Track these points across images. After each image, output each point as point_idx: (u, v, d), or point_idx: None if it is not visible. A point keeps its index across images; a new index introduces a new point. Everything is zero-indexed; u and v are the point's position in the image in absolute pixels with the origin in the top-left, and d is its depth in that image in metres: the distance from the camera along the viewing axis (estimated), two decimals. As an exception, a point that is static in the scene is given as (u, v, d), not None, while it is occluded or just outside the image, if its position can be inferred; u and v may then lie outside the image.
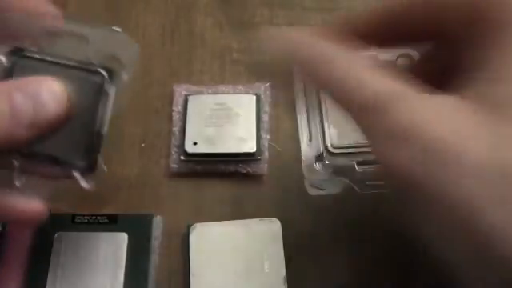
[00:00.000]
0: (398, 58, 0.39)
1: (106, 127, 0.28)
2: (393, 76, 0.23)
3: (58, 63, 0.27)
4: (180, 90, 0.39)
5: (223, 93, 0.39)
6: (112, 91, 0.28)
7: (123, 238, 0.33)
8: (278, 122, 0.39)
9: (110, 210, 0.35)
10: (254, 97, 0.38)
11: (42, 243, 0.33)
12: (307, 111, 0.37)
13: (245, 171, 0.37)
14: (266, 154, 0.37)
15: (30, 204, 0.27)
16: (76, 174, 0.27)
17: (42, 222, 0.28)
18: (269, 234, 0.34)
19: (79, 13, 0.45)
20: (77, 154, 0.27)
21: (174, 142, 0.38)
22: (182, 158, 0.37)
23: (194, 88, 0.40)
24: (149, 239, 0.34)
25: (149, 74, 0.41)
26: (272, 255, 0.33)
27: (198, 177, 0.37)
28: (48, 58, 0.27)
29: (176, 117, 0.39)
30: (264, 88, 0.39)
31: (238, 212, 0.36)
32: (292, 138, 0.37)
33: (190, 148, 0.37)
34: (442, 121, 0.20)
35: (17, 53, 0.27)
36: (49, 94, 0.25)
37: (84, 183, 0.27)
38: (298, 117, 0.37)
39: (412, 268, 0.33)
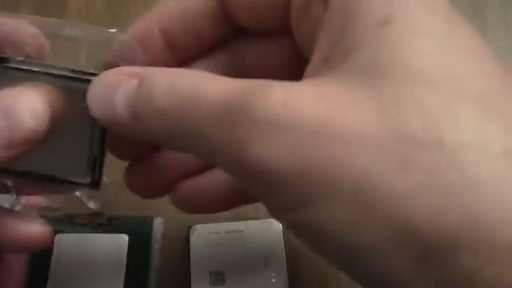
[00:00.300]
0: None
1: (107, 138, 0.25)
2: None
3: (47, 73, 0.24)
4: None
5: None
6: None
7: (124, 239, 0.33)
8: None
9: (110, 211, 0.35)
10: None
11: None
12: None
13: None
14: None
15: (32, 228, 0.25)
16: (79, 194, 0.25)
17: (45, 246, 0.26)
18: (270, 235, 0.34)
19: (79, 13, 0.45)
20: (79, 170, 0.25)
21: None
22: None
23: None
24: (149, 241, 0.34)
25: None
26: (273, 258, 0.33)
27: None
28: (36, 69, 0.24)
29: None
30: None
31: (238, 213, 0.36)
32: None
33: None
34: (309, 102, 0.18)
35: None
36: (26, 109, 0.22)
37: (90, 203, 0.26)
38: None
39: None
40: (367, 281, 0.20)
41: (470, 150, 0.17)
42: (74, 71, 0.24)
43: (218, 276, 0.32)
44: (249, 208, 0.36)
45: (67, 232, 0.33)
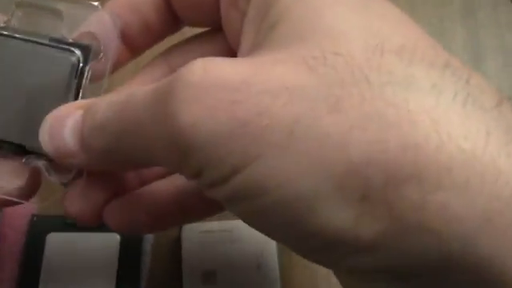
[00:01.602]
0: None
1: None
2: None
3: (27, 40, 0.25)
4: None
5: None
6: (87, 71, 0.25)
7: (115, 239, 0.33)
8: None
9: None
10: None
11: (34, 244, 0.33)
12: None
13: None
14: None
15: None
16: (44, 167, 0.24)
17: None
18: (261, 235, 0.33)
19: None
20: None
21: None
22: None
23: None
24: (141, 240, 0.34)
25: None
26: (265, 256, 0.33)
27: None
28: (16, 35, 0.25)
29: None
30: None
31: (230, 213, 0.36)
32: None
33: None
34: (231, 65, 0.19)
35: None
36: None
37: (52, 177, 0.24)
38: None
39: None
40: (302, 241, 0.19)
41: (400, 85, 0.17)
42: (53, 39, 0.25)
43: (209, 275, 0.32)
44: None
45: (59, 231, 0.33)
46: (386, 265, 0.18)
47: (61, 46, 0.24)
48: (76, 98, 0.24)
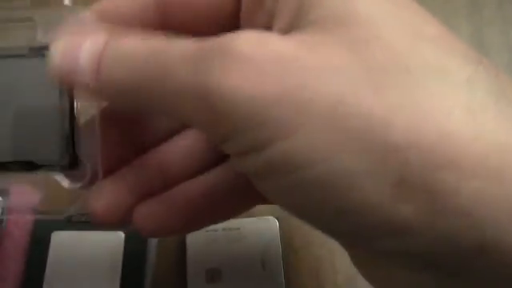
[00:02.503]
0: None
1: (78, 115, 0.24)
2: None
3: (7, 56, 0.24)
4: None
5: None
6: None
7: (120, 236, 0.33)
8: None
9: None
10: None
11: (39, 242, 0.33)
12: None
13: None
14: None
15: None
16: (58, 177, 0.24)
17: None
18: (266, 232, 0.34)
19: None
20: (54, 152, 0.24)
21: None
22: None
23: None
24: (145, 239, 0.34)
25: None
26: (270, 255, 0.33)
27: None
28: None
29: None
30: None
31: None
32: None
33: None
34: (282, 42, 0.19)
35: None
36: None
37: (69, 184, 0.24)
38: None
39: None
40: (335, 218, 0.19)
41: (437, 76, 0.18)
42: (33, 49, 0.24)
43: (214, 273, 0.33)
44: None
45: (63, 230, 0.33)
46: (417, 248, 0.18)
47: (42, 53, 0.23)
48: (71, 98, 0.24)
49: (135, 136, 0.26)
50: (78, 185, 0.24)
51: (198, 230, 0.27)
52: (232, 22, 0.23)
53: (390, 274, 0.20)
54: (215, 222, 0.27)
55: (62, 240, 0.33)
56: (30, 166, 0.24)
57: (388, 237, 0.18)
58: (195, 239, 0.33)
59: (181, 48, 0.20)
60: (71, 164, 0.24)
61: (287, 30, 0.20)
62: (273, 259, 0.33)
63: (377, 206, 0.17)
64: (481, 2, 0.43)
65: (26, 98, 0.24)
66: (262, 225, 0.34)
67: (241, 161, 0.19)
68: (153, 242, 0.34)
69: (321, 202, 0.18)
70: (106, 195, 0.24)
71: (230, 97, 0.18)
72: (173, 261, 0.34)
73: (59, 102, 0.24)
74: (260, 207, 0.35)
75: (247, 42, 0.18)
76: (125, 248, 0.33)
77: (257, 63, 0.18)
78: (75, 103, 0.24)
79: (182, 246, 0.34)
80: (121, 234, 0.33)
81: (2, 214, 0.27)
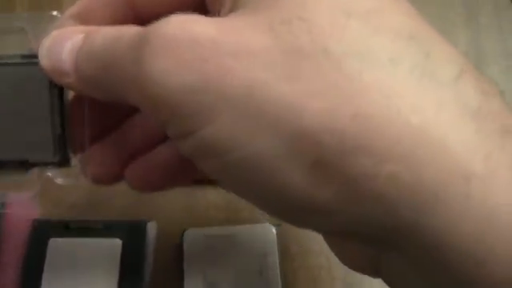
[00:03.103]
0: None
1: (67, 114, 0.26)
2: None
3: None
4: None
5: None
6: None
7: (117, 244, 0.33)
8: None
9: (101, 216, 0.35)
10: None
11: (36, 250, 0.33)
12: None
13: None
14: None
15: None
16: (51, 173, 0.26)
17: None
18: (264, 239, 0.34)
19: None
20: (46, 150, 0.26)
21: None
22: None
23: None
24: (143, 245, 0.34)
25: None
26: (267, 262, 0.33)
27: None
28: None
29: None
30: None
31: (232, 217, 0.36)
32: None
33: None
34: (205, 24, 0.19)
35: None
36: None
37: (62, 181, 0.26)
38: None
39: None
40: (266, 201, 0.20)
41: (357, 57, 0.18)
42: (25, 56, 0.25)
43: (211, 280, 0.33)
44: (243, 212, 0.36)
45: (61, 236, 0.33)
46: (343, 229, 0.19)
47: (33, 60, 0.24)
48: (61, 101, 0.25)
49: (117, 108, 0.27)
50: (70, 182, 0.26)
51: (178, 186, 0.29)
52: (202, 11, 0.24)
53: (347, 249, 0.22)
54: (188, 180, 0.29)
55: (59, 247, 0.33)
56: (24, 165, 0.26)
57: (315, 217, 0.19)
58: (192, 246, 0.33)
59: (129, 35, 0.21)
60: (63, 161, 0.26)
61: (227, 14, 0.20)
62: (270, 266, 0.33)
63: (298, 188, 0.18)
64: (477, 10, 0.43)
65: (19, 102, 0.25)
66: (260, 232, 0.34)
67: (177, 144, 0.20)
68: (150, 249, 0.34)
69: (249, 184, 0.19)
70: (97, 158, 0.26)
71: (158, 84, 0.19)
72: (170, 268, 0.34)
73: (50, 103, 0.25)
74: (257, 215, 0.35)
75: (173, 25, 0.19)
76: (122, 255, 0.33)
77: (177, 48, 0.19)
78: (65, 102, 0.26)
79: (179, 254, 0.34)
80: (118, 241, 0.33)
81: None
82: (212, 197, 0.37)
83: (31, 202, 0.28)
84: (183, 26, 0.19)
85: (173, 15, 0.19)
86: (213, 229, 0.34)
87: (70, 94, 0.26)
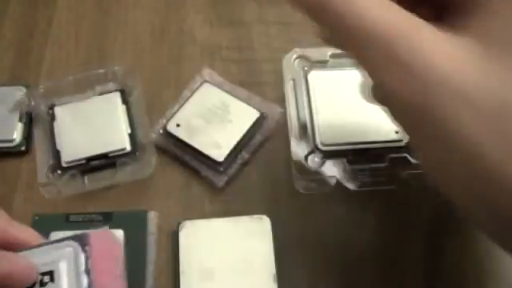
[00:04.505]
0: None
1: None
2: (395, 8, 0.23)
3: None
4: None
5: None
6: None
7: (119, 235, 0.34)
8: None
9: (100, 208, 0.36)
10: (258, 114, 0.38)
11: None
12: (297, 109, 0.38)
13: (204, 175, 0.37)
14: (233, 168, 0.37)
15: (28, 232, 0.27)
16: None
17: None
18: (258, 231, 0.34)
19: (69, 6, 0.44)
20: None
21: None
22: (161, 132, 0.38)
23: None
24: (144, 235, 0.34)
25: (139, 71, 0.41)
26: (262, 253, 0.33)
27: (187, 174, 0.37)
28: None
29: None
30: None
31: (228, 209, 0.36)
32: (282, 136, 0.38)
33: (171, 127, 0.37)
34: (443, 56, 0.21)
35: None
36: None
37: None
38: (288, 114, 0.37)
39: (401, 265, 0.34)
40: None
41: None
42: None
43: (207, 271, 0.33)
44: (238, 205, 0.36)
45: (61, 230, 0.33)
46: None
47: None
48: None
49: None
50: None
51: None
52: None
53: None
54: None
55: None
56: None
57: None
58: (188, 238, 0.34)
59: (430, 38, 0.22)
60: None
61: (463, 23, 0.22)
62: (265, 257, 0.33)
63: None
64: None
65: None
66: (255, 223, 0.34)
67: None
68: (151, 238, 0.34)
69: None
70: None
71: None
72: (165, 257, 0.34)
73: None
74: (253, 207, 0.35)
75: (480, 83, 0.20)
76: (125, 245, 0.33)
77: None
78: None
79: (175, 243, 0.34)
80: (120, 232, 0.34)
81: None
82: (206, 190, 0.37)
83: (113, 236, 0.29)
84: (492, 85, 0.20)
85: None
86: (207, 220, 0.35)
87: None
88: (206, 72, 0.40)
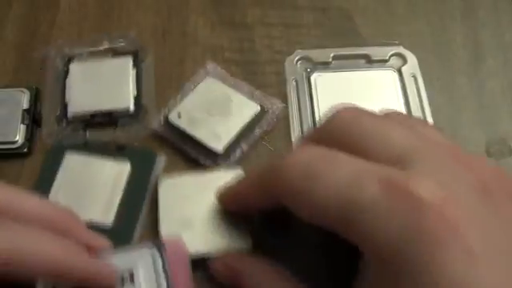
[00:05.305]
0: (389, 57, 0.40)
1: None
2: None
3: None
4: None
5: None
6: None
7: (126, 166, 0.36)
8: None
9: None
10: (258, 107, 0.38)
11: (53, 160, 0.36)
12: (299, 110, 0.38)
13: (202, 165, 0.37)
14: (236, 155, 0.37)
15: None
16: None
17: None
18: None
19: (70, 9, 0.45)
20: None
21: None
22: (162, 122, 0.38)
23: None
24: (149, 173, 0.35)
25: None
26: None
27: (185, 164, 0.37)
28: None
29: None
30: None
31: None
32: (285, 137, 0.38)
33: (172, 117, 0.37)
34: None
35: None
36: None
37: None
38: (290, 116, 0.37)
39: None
40: None
41: None
42: None
43: (185, 221, 0.33)
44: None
45: (77, 151, 0.37)
46: None
47: None
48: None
49: None
50: None
51: None
52: None
53: None
54: None
55: (74, 159, 0.36)
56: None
57: None
58: (167, 191, 0.34)
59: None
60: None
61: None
62: None
63: None
64: (476, 4, 0.43)
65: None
66: (231, 175, 0.34)
67: None
68: (153, 180, 0.35)
69: None
70: None
71: None
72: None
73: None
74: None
75: None
76: (128, 177, 0.35)
77: None
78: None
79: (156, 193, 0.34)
80: (127, 164, 0.36)
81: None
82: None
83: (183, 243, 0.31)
84: None
85: None
86: (187, 175, 0.35)
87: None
88: (210, 65, 0.40)
